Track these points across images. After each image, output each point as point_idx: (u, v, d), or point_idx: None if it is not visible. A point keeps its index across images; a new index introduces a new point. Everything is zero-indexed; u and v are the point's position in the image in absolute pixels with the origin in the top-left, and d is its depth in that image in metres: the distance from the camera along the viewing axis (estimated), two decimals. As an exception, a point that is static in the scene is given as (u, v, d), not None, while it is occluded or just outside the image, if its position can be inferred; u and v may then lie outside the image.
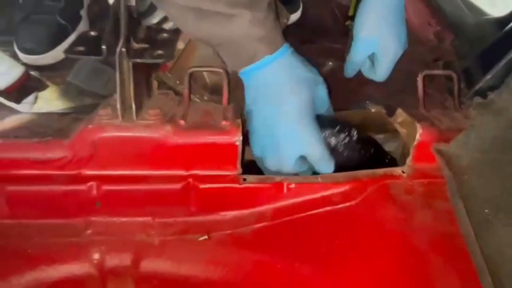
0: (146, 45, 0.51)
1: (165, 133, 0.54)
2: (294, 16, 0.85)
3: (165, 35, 0.54)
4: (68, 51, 0.50)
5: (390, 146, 0.70)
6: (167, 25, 0.83)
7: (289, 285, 0.54)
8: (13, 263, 0.56)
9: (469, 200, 0.50)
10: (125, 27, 0.48)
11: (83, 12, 0.81)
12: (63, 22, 0.77)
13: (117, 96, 0.51)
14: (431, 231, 0.53)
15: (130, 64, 0.50)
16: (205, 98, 0.71)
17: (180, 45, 0.65)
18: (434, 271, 0.50)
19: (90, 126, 0.53)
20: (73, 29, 0.78)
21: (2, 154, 0.54)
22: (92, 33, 0.51)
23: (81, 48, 0.49)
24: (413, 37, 0.90)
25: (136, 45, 0.51)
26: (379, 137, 0.70)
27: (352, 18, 0.86)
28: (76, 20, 0.80)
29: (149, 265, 0.57)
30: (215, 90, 0.72)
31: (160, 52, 0.50)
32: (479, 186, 0.50)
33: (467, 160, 0.51)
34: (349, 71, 0.73)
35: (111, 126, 0.53)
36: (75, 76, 0.75)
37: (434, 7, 0.95)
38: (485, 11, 0.97)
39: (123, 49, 0.48)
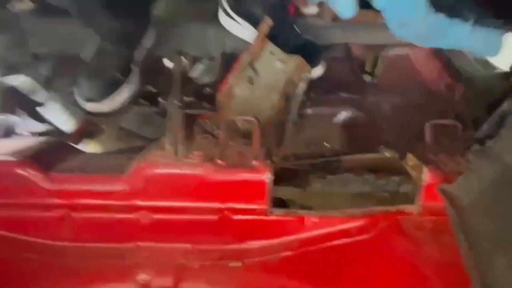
0: (193, 99, 0.63)
1: (206, 171, 0.64)
2: (319, 71, 0.96)
3: (208, 89, 0.65)
4: (132, 102, 0.61)
5: (404, 188, 0.76)
6: (205, 79, 0.96)
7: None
8: (72, 279, 0.65)
9: (470, 234, 0.57)
10: (178, 85, 0.59)
11: (133, 67, 0.95)
12: (118, 76, 0.90)
13: (169, 139, 0.62)
14: (438, 262, 0.59)
15: (181, 114, 0.61)
16: (238, 142, 0.81)
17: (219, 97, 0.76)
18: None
19: (144, 164, 0.64)
20: (126, 82, 0.92)
21: (70, 186, 0.65)
22: (150, 88, 0.63)
23: (142, 101, 0.61)
24: (426, 90, 0.99)
25: (186, 99, 0.62)
26: (394, 179, 0.77)
27: (368, 72, 0.96)
28: (129, 74, 0.93)
29: (188, 286, 0.65)
30: (246, 135, 0.82)
31: (205, 104, 0.61)
32: (479, 222, 0.57)
33: (467, 200, 0.58)
34: None
35: (163, 164, 0.63)
36: (127, 122, 0.87)
37: (446, 62, 1.04)
38: (496, 65, 1.05)
39: (177, 102, 0.59)
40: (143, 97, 0.62)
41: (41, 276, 0.65)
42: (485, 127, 0.62)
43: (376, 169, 0.78)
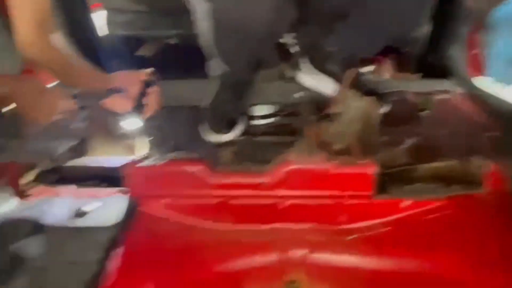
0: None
1: (329, 166, 0.88)
2: (385, 109, 1.24)
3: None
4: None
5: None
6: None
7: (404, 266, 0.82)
8: (229, 251, 0.86)
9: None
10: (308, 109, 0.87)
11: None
12: (235, 116, 1.18)
13: (304, 144, 0.88)
14: (503, 223, 0.81)
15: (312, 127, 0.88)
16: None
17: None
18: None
19: (284, 162, 0.89)
20: (240, 122, 1.20)
21: (228, 180, 0.90)
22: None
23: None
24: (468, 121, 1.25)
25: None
26: (455, 188, 0.98)
27: (422, 110, 1.24)
28: (241, 115, 1.22)
29: (315, 256, 0.86)
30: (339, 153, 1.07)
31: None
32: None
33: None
34: None
35: (298, 162, 0.88)
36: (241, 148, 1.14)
37: (480, 101, 1.32)
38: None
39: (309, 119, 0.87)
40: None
41: (208, 248, 0.86)
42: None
43: (443, 177, 1.00)
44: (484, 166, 0.90)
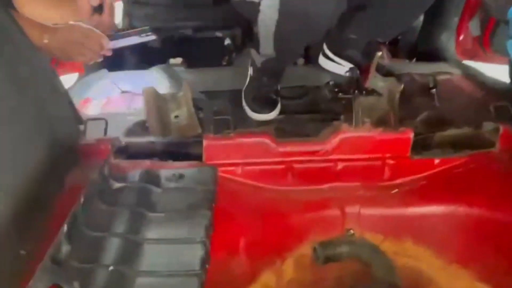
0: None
1: (374, 133, 1.06)
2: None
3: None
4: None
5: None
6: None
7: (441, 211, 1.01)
8: (296, 208, 1.03)
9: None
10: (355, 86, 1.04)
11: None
12: (274, 97, 1.34)
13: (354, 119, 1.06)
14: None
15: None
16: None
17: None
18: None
19: (336, 131, 1.06)
20: (278, 102, 1.36)
21: (291, 148, 1.06)
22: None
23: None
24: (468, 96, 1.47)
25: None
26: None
27: (432, 88, 1.45)
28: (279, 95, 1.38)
29: (366, 209, 1.04)
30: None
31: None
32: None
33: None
34: None
35: (348, 130, 1.06)
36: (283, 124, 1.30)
37: (477, 80, 1.54)
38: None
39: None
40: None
41: (274, 207, 1.02)
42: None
43: (456, 143, 1.21)
44: (495, 129, 1.10)
